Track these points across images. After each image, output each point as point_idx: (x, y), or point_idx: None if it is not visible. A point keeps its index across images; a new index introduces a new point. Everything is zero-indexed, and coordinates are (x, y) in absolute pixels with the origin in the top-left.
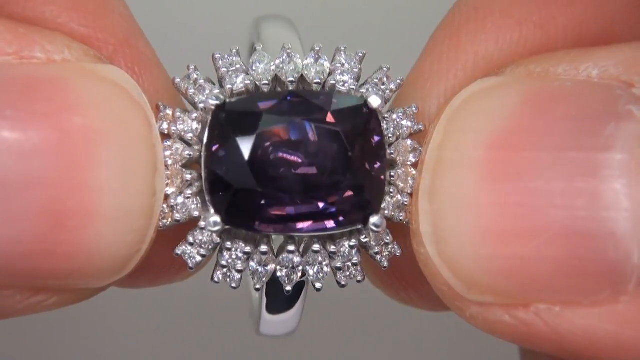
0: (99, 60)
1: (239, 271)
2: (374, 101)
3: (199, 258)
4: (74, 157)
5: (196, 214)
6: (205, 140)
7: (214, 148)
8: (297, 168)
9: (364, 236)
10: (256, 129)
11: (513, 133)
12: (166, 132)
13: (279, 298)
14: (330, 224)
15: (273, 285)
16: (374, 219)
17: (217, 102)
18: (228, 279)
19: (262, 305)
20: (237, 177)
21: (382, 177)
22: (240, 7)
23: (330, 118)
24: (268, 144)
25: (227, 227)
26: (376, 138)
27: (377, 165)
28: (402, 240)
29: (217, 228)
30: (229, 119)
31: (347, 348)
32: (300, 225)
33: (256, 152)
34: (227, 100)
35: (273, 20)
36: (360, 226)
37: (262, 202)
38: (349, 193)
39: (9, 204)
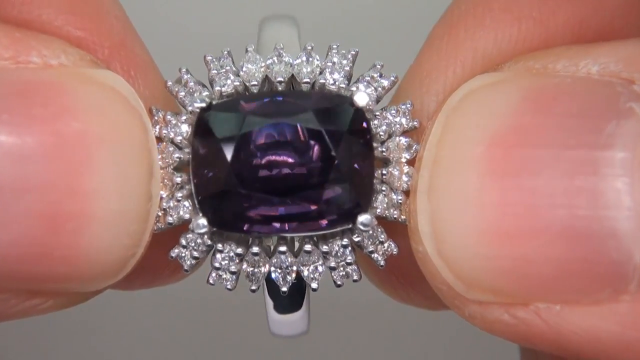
0: (95, 64)
1: (233, 273)
2: (361, 99)
3: (193, 260)
4: (70, 161)
5: (187, 216)
6: (192, 142)
7: (201, 150)
8: (280, 169)
9: (356, 235)
10: (239, 130)
11: (513, 130)
12: (159, 135)
13: (285, 298)
14: (319, 224)
15: (275, 286)
16: (361, 218)
17: (202, 104)
18: (223, 281)
19: (267, 306)
20: (221, 179)
21: (371, 175)
22: (237, 9)
23: (313, 118)
24: (251, 145)
25: (214, 229)
26: (364, 136)
27: (365, 163)
28: (400, 238)
29: (203, 230)
30: (213, 121)
31: (346, 347)
32: (288, 225)
33: (239, 154)
34: (214, 102)
35: (274, 20)
36: (350, 225)
37: (247, 203)
38: (335, 192)
39: (5, 208)
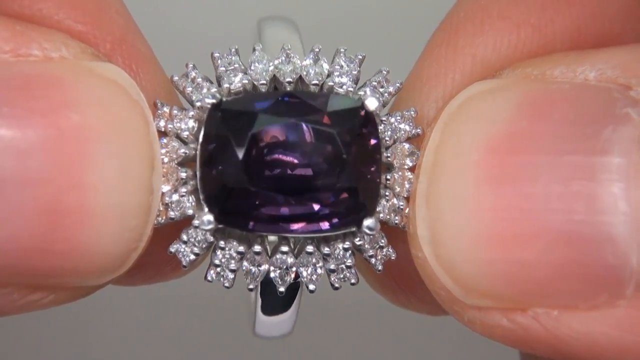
0: (97, 58)
1: (232, 271)
2: (371, 104)
3: (192, 256)
4: (71, 154)
5: (190, 212)
6: (200, 138)
7: (209, 147)
8: (291, 169)
9: (358, 239)
10: (251, 128)
11: (510, 136)
12: (163, 129)
13: (274, 299)
14: (324, 225)
15: (267, 286)
16: (367, 222)
17: (214, 101)
18: (221, 278)
19: (256, 305)
20: (230, 176)
21: (377, 180)
22: (240, 5)
23: (326, 120)
24: (263, 144)
25: (220, 226)
26: (372, 141)
27: (373, 168)
28: (400, 244)
29: (210, 227)
30: (225, 118)
31: (345, 350)
32: (294, 226)
33: (250, 152)
34: (224, 100)
35: (275, 20)
36: (354, 229)
37: (256, 202)
38: (343, 195)
39: (6, 202)
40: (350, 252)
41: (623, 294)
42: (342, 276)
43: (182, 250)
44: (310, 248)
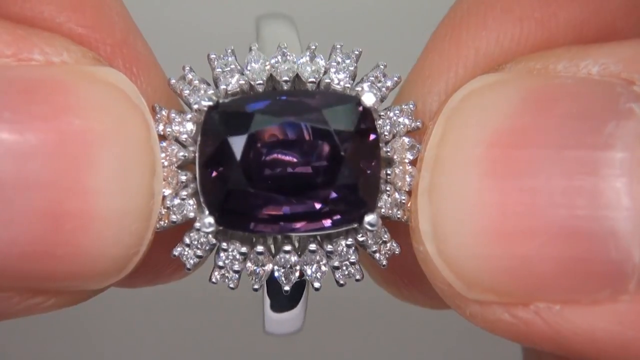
0: (98, 62)
1: (236, 271)
2: (368, 99)
3: (196, 259)
4: (72, 159)
5: (192, 215)
6: (198, 141)
7: (207, 149)
8: (289, 168)
9: (360, 235)
10: (248, 129)
11: (513, 131)
12: (162, 133)
13: (282, 297)
14: (325, 223)
15: (274, 284)
16: (368, 218)
17: (210, 103)
18: (226, 280)
19: (264, 304)
20: (229, 177)
21: (378, 175)
22: (238, 6)
23: (322, 117)
24: (260, 144)
25: (221, 228)
26: (371, 136)
27: (372, 163)
28: (403, 238)
29: (211, 229)
30: (222, 120)
31: (350, 346)
32: (296, 225)
33: (248, 153)
34: (220, 101)
35: (272, 18)
36: (356, 225)
37: (256, 202)
38: (342, 192)
39: (7, 206)
40: (353, 248)
41: (625, 289)
42: (346, 273)
43: (186, 253)
44: (313, 246)
